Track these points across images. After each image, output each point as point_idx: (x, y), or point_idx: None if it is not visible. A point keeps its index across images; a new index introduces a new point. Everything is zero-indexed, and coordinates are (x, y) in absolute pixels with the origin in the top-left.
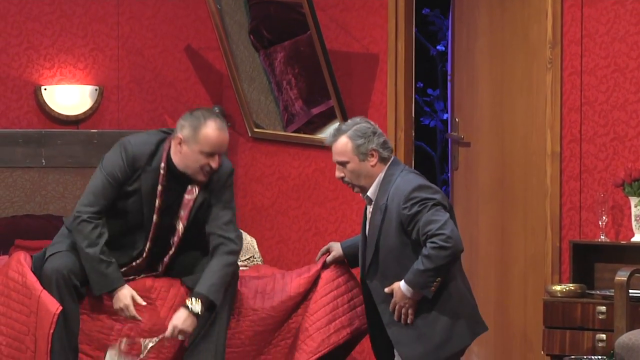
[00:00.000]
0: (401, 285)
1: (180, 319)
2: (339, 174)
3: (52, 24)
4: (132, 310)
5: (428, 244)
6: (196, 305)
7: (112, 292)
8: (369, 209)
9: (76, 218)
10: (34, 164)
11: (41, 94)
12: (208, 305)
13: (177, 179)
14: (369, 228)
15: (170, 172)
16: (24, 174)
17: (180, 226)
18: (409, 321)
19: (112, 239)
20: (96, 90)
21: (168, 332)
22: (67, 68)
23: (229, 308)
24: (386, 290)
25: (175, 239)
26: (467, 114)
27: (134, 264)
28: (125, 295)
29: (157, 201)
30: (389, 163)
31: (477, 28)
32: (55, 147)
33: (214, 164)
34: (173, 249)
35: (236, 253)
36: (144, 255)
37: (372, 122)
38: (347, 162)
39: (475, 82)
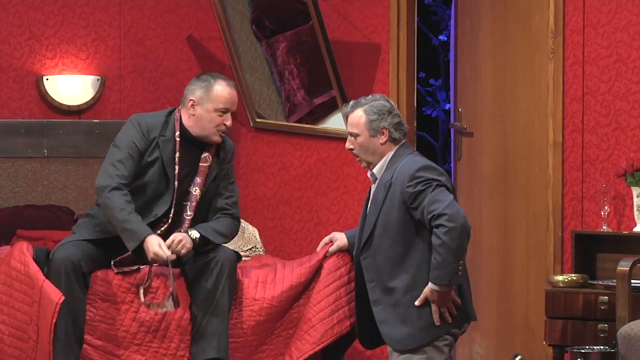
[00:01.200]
0: (430, 287)
1: (178, 235)
2: (348, 145)
3: (54, 14)
4: (163, 255)
5: (436, 231)
6: (193, 232)
7: (141, 245)
8: (373, 187)
9: (105, 188)
10: (35, 154)
11: (43, 84)
12: (204, 238)
13: (192, 146)
14: (370, 205)
15: (185, 139)
16: (25, 164)
17: (198, 192)
18: (454, 312)
19: (138, 209)
20: (98, 80)
21: (168, 241)
22: (69, 58)
23: (230, 298)
24: (417, 303)
25: (194, 204)
26: (470, 103)
27: (159, 231)
28: (152, 243)
29: (176, 168)
30: (399, 144)
31: (480, 18)
32: (57, 137)
33: (227, 122)
34: (190, 212)
35: (237, 228)
36: (170, 220)
37: (391, 102)
38: (358, 135)
39: (478, 72)
